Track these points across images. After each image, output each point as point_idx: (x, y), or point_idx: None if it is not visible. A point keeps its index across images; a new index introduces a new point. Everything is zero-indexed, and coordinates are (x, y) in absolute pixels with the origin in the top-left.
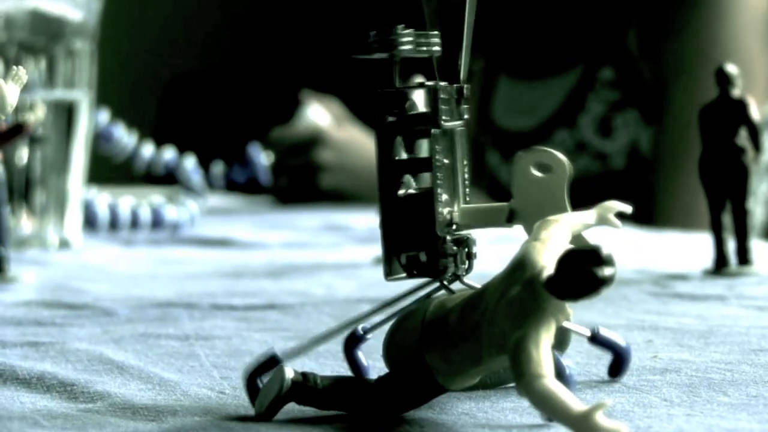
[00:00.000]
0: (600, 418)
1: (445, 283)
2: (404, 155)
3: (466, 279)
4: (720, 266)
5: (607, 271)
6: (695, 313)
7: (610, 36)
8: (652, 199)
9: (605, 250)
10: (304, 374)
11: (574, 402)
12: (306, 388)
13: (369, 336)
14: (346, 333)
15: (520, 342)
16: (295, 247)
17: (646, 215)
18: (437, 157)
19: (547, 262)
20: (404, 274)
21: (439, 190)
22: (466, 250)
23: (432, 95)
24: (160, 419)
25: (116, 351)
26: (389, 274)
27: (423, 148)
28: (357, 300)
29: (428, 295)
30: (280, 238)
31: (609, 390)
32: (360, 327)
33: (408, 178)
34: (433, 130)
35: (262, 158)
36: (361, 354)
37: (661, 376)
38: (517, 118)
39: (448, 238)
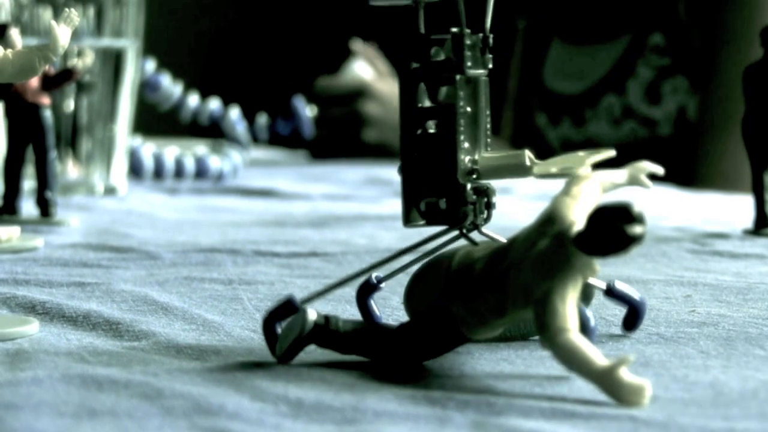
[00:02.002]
0: (624, 373)
1: (464, 231)
2: (427, 102)
3: (484, 229)
4: (760, 226)
5: (637, 229)
6: (734, 270)
7: (661, 2)
8: (697, 164)
9: (636, 208)
10: (326, 317)
11: (598, 357)
12: (328, 331)
13: (382, 285)
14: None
15: (546, 295)
16: (338, 199)
17: (691, 180)
18: (460, 104)
19: (576, 218)
20: (423, 221)
21: (461, 137)
22: (486, 199)
23: (457, 42)
24: (204, 358)
25: (161, 293)
26: (408, 221)
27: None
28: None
29: (446, 244)
30: (322, 190)
31: (646, 341)
32: (374, 276)
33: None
34: (457, 77)
35: (307, 111)
36: (373, 302)
37: (699, 329)
38: (566, 81)
39: (469, 186)
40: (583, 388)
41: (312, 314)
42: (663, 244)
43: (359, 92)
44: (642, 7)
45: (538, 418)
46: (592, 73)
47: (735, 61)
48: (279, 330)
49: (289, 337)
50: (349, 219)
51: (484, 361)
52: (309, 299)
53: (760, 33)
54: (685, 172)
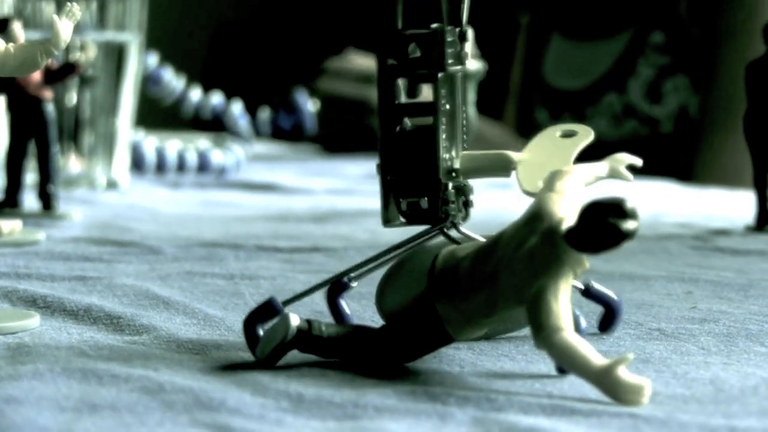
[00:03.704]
0: (622, 372)
1: (445, 230)
2: (404, 99)
3: (462, 228)
4: (762, 223)
5: (630, 225)
6: (736, 267)
7: (662, 0)
8: (698, 162)
9: (629, 203)
10: (309, 321)
11: (595, 356)
12: (311, 336)
13: (354, 284)
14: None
15: (539, 294)
16: (340, 193)
17: (692, 176)
18: (441, 101)
19: (564, 214)
20: (402, 221)
21: (443, 136)
22: (463, 198)
23: (438, 38)
24: (205, 353)
25: (162, 287)
26: (387, 221)
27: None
28: None
29: (421, 243)
30: (324, 184)
31: (647, 338)
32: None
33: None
34: (439, 74)
35: (309, 105)
36: (344, 302)
37: (700, 325)
38: (567, 77)
39: (450, 185)
40: (584, 385)
41: (295, 319)
42: (664, 241)
43: (367, 78)
44: (642, 5)
45: (538, 414)
46: (593, 70)
47: (736, 59)
48: (260, 331)
49: (272, 342)
50: (351, 214)
51: (484, 356)
52: (291, 301)
53: (762, 30)
54: (687, 169)
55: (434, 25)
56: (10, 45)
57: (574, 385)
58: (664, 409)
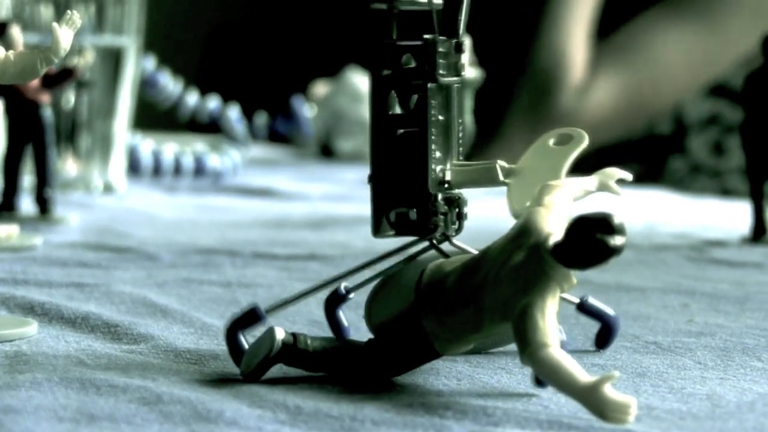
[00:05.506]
0: (608, 390)
1: (435, 242)
2: (398, 110)
3: (455, 240)
4: (758, 234)
5: (617, 240)
6: (732, 279)
7: None
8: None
9: (616, 218)
10: (294, 335)
11: (581, 373)
12: (296, 350)
13: (351, 295)
14: (329, 289)
15: (525, 310)
16: (337, 199)
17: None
18: (432, 112)
19: (552, 229)
20: (392, 232)
21: (433, 147)
22: (457, 210)
23: (430, 49)
24: (202, 363)
25: (159, 295)
26: (377, 231)
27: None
28: None
29: (415, 256)
30: (321, 190)
31: (643, 351)
32: (342, 286)
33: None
34: (429, 85)
35: (306, 110)
36: (342, 314)
37: (696, 339)
38: None
39: (440, 196)
40: None
41: (280, 333)
42: (660, 251)
43: None
44: None
45: (534, 428)
46: None
47: None
48: (241, 337)
49: (257, 356)
50: (348, 221)
51: (482, 370)
52: (275, 308)
53: (761, 42)
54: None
55: (427, 36)
56: (10, 52)
57: (571, 399)
58: (660, 425)
